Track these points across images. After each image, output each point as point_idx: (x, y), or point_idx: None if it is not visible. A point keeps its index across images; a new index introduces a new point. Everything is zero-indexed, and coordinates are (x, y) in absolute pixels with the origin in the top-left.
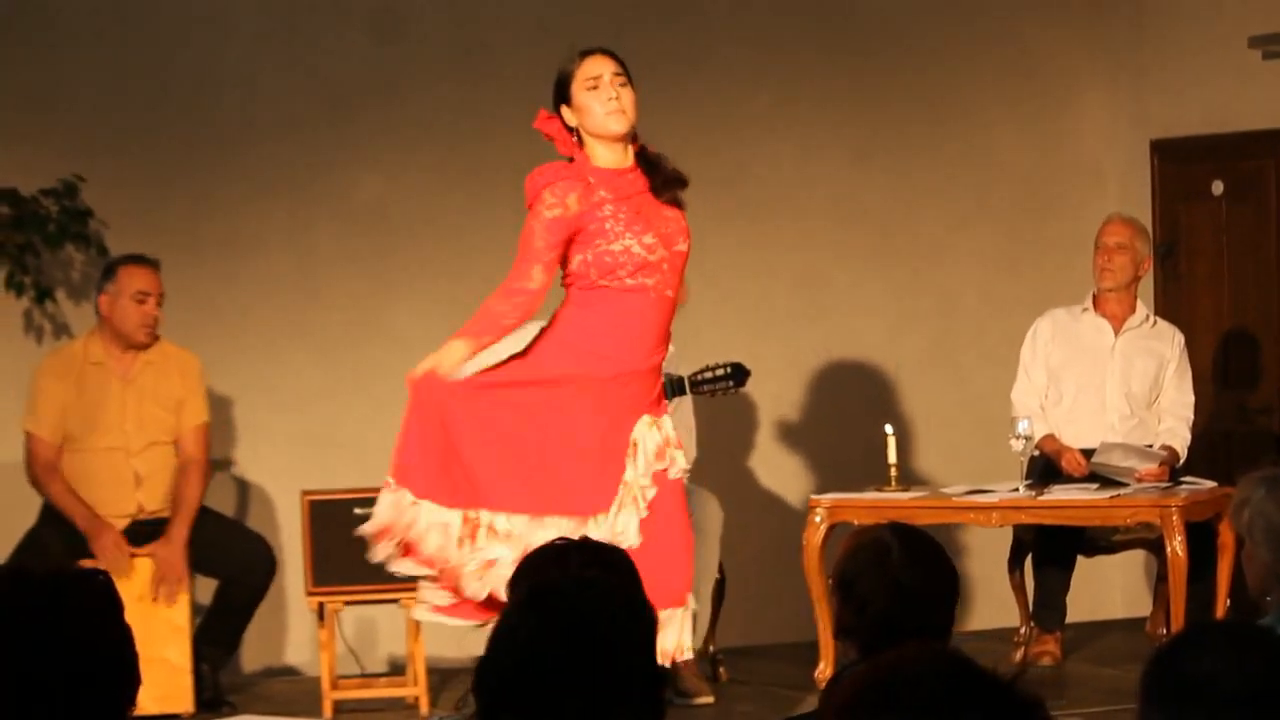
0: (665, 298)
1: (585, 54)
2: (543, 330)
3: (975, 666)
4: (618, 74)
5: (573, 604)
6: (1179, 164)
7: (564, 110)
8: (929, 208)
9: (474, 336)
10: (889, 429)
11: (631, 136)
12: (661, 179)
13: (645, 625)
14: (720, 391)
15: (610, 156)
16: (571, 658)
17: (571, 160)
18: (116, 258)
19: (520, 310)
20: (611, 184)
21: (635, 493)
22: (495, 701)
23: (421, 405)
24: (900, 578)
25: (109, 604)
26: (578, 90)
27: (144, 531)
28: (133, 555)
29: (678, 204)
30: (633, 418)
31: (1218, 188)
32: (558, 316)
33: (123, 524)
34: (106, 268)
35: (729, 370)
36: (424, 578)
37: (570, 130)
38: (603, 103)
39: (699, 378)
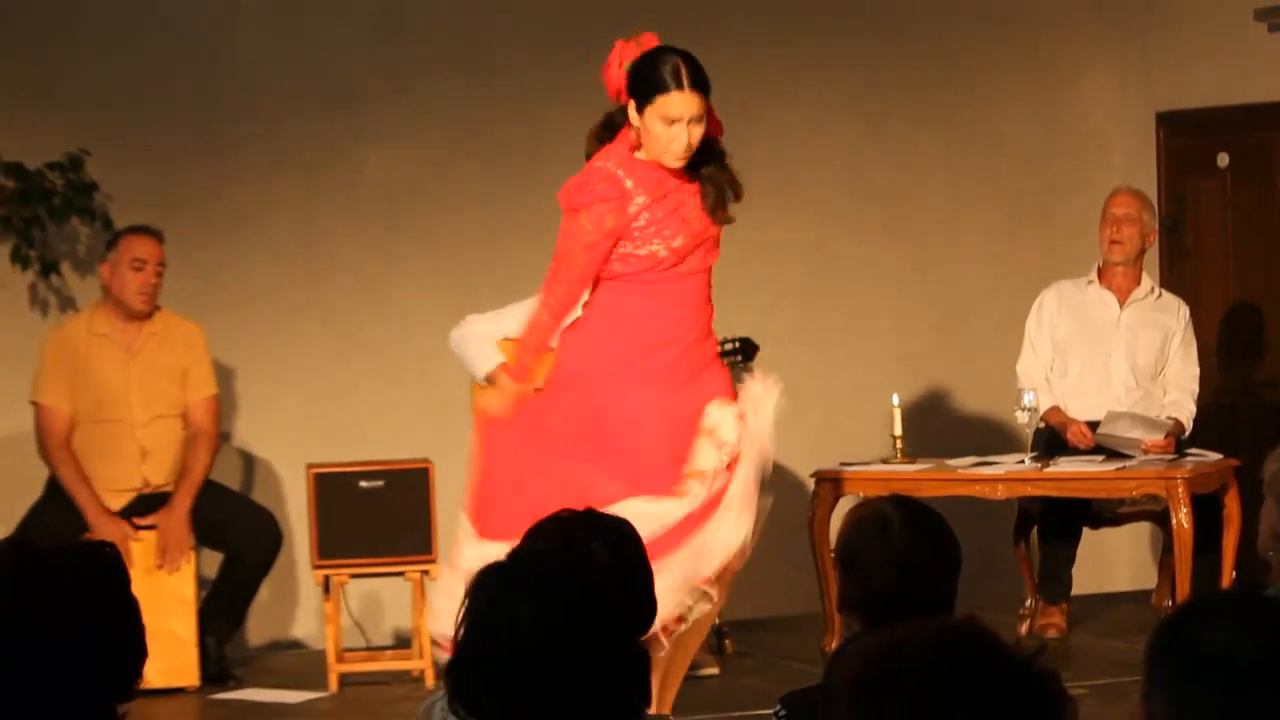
0: (696, 273)
1: (680, 84)
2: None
3: (990, 640)
4: (698, 116)
5: (550, 579)
6: (1184, 137)
7: (631, 108)
8: (937, 181)
9: (531, 354)
10: (895, 399)
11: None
12: (714, 200)
13: (633, 603)
14: (730, 366)
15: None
16: (550, 634)
17: (611, 139)
18: (121, 229)
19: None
20: (651, 182)
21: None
22: (471, 680)
23: (494, 452)
24: (901, 551)
25: (116, 576)
26: (651, 115)
27: (149, 505)
28: (136, 529)
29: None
30: (695, 391)
31: (1223, 161)
32: (586, 310)
33: (128, 497)
34: (111, 238)
35: (738, 345)
36: None
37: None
38: (667, 141)
39: None
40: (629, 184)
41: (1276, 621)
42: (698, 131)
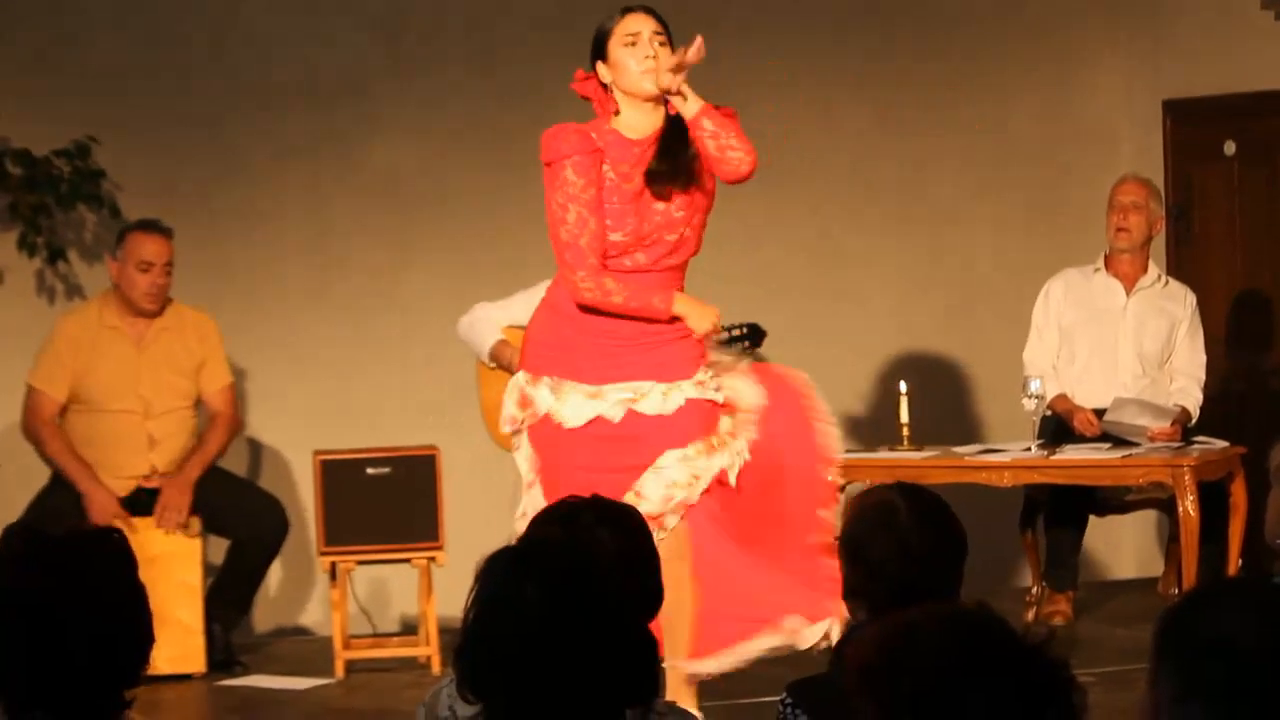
0: (666, 270)
1: (626, 10)
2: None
3: (1001, 626)
4: (658, 32)
5: (559, 564)
6: (1191, 125)
7: (599, 67)
8: (944, 171)
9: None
10: (902, 386)
11: (666, 104)
12: (657, 170)
13: (642, 588)
14: (737, 352)
15: (637, 121)
16: (559, 618)
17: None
18: (130, 223)
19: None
20: (621, 156)
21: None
22: (480, 665)
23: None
24: (907, 538)
25: (124, 562)
26: (615, 46)
27: (155, 490)
28: (144, 494)
29: (669, 196)
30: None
31: (1230, 149)
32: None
33: (134, 484)
34: (120, 233)
35: (746, 331)
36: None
37: (605, 88)
38: (639, 60)
39: (717, 338)
40: (601, 145)
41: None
42: (665, 55)
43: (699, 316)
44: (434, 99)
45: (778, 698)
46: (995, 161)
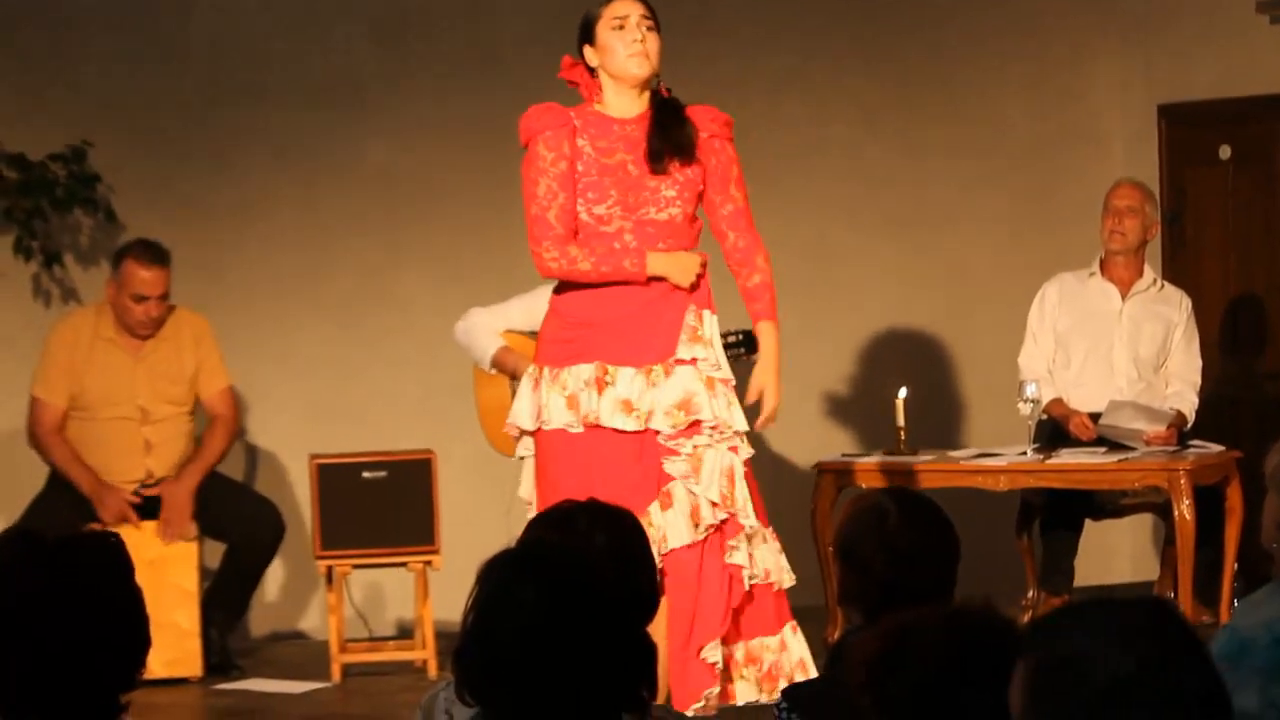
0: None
1: None
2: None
3: (1001, 622)
4: (646, 17)
5: (558, 566)
6: (1186, 129)
7: (587, 50)
8: (938, 172)
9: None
10: (902, 393)
11: (655, 87)
12: (655, 146)
13: (638, 591)
14: (734, 357)
15: (621, 104)
16: (557, 621)
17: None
18: (128, 245)
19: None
20: (601, 133)
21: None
22: (479, 667)
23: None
24: (898, 542)
25: (120, 566)
26: (602, 29)
27: (153, 498)
28: (141, 498)
29: (671, 168)
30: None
31: (1225, 152)
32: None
33: (131, 488)
34: (118, 254)
35: (741, 336)
36: None
37: (592, 72)
38: (626, 44)
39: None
40: (578, 123)
41: (1140, 637)
42: (653, 40)
43: (679, 270)
44: (429, 98)
45: (772, 701)
46: (990, 164)
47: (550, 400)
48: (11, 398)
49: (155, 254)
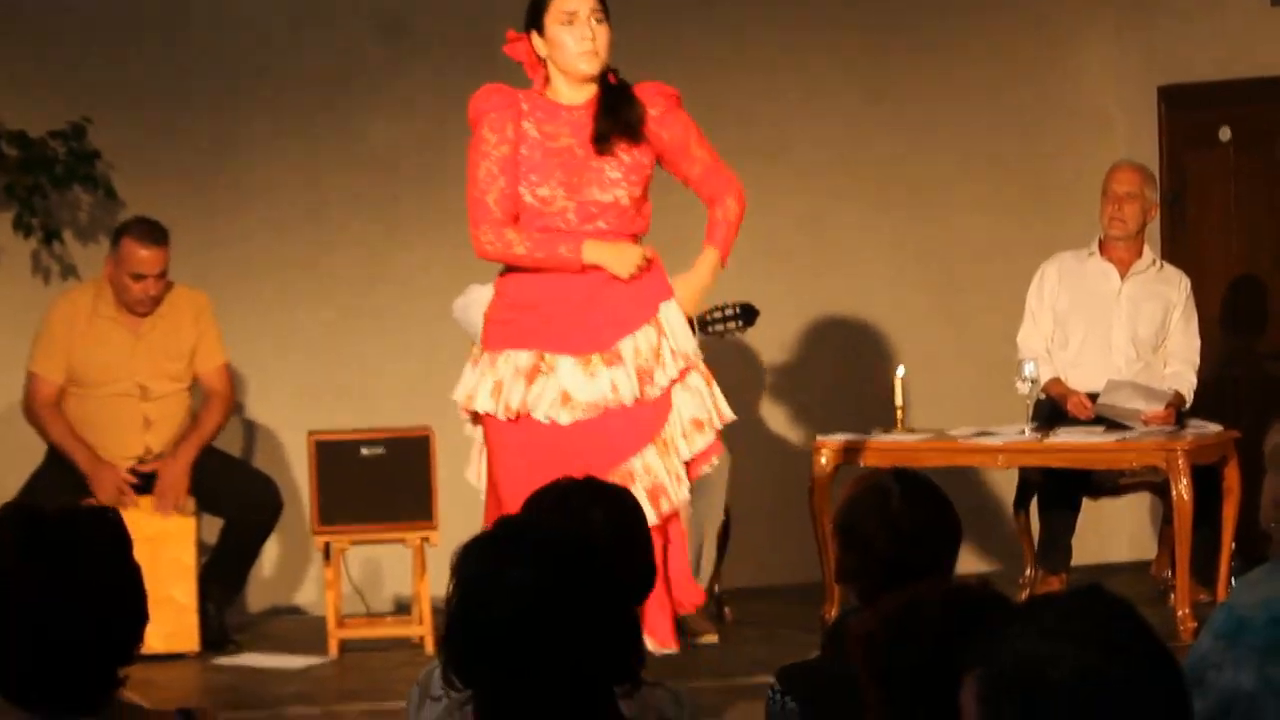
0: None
1: None
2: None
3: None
4: (596, 10)
5: (544, 545)
6: (1186, 110)
7: (534, 37)
8: (935, 152)
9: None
10: (901, 371)
11: (602, 72)
12: (602, 128)
13: (636, 569)
14: (730, 332)
15: (569, 93)
16: (544, 601)
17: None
18: (126, 223)
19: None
20: (548, 117)
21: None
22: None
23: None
24: (900, 523)
25: (118, 541)
26: (551, 22)
27: (150, 474)
28: (137, 477)
29: (617, 150)
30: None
31: (1225, 134)
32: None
33: (129, 464)
34: (116, 231)
35: (738, 310)
36: None
37: (539, 58)
38: (576, 40)
39: (708, 318)
40: (524, 106)
41: (1090, 629)
42: (603, 33)
43: (617, 260)
44: (431, 76)
45: (769, 679)
46: (988, 144)
47: (481, 383)
48: (10, 373)
49: (154, 232)
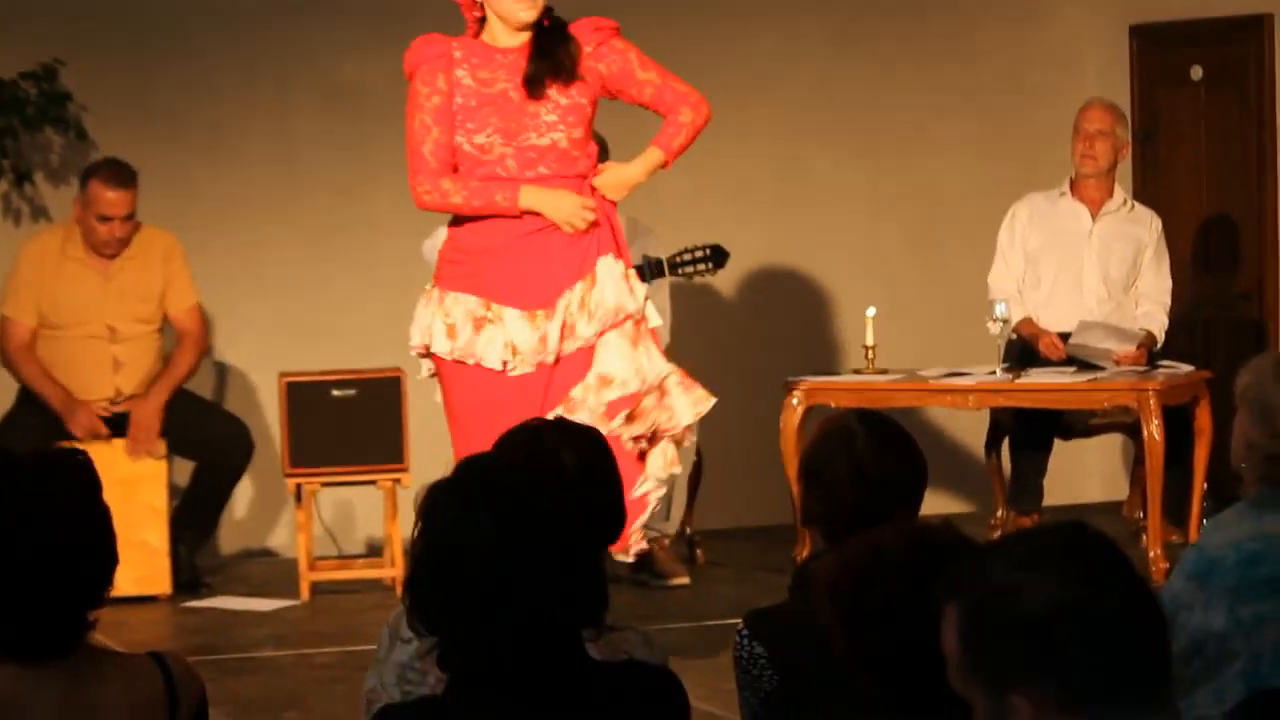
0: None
1: None
2: None
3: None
4: None
5: (508, 489)
6: (1158, 49)
7: None
8: (909, 92)
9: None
10: (871, 311)
11: (539, 23)
12: (533, 71)
13: (606, 510)
14: (699, 273)
15: (505, 36)
16: (509, 546)
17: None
18: (95, 165)
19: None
20: (483, 62)
21: None
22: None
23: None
24: (866, 466)
25: (88, 483)
26: None
27: (122, 415)
28: (109, 420)
29: (550, 93)
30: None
31: (1197, 73)
32: None
33: (99, 407)
34: (84, 173)
35: (708, 252)
36: None
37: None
38: None
39: (678, 259)
40: (458, 54)
41: (1063, 560)
42: None
43: (554, 207)
44: (403, 12)
45: (737, 622)
46: (960, 84)
47: (435, 323)
48: None
49: (121, 174)
